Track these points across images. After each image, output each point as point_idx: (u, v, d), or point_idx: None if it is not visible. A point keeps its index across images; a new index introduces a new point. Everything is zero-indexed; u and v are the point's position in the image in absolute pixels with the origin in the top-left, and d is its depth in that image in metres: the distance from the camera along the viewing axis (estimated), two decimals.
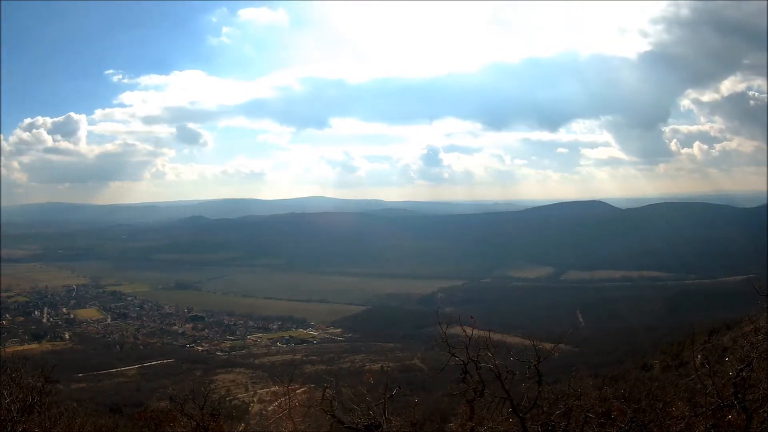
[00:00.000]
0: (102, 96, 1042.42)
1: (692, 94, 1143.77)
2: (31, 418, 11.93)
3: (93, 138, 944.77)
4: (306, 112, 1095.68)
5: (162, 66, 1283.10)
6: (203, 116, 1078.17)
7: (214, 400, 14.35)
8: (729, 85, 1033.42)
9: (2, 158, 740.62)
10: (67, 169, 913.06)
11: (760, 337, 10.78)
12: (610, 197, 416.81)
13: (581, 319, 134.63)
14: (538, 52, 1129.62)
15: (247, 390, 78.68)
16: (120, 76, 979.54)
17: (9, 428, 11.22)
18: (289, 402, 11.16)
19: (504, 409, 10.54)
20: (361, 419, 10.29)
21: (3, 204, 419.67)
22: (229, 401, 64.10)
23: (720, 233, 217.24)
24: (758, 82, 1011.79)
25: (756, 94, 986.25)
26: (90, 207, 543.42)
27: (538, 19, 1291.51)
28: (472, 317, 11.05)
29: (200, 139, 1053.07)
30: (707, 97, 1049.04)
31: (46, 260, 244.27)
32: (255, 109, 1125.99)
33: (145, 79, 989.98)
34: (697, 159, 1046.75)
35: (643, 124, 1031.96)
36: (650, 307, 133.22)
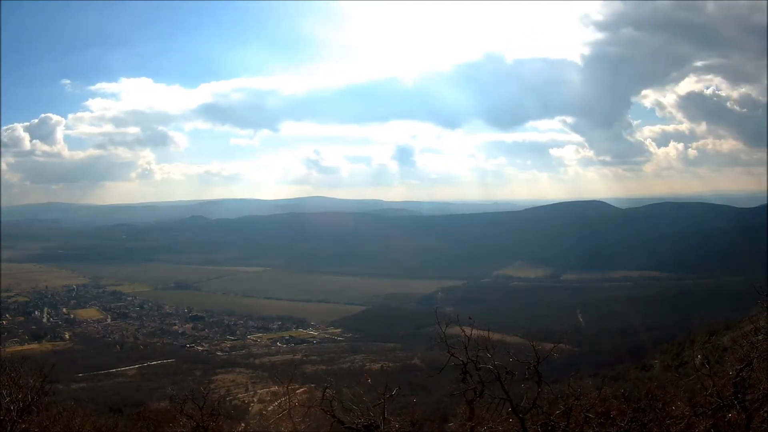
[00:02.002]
0: (67, 103, 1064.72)
1: (651, 95, 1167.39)
2: (30, 417, 11.94)
3: (76, 141, 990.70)
4: (253, 117, 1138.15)
5: (109, 74, 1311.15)
6: (169, 119, 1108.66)
7: (214, 400, 14.35)
8: (685, 86, 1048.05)
9: None
10: (57, 170, 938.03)
11: (760, 337, 10.78)
12: (606, 197, 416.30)
13: (581, 319, 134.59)
14: (484, 54, 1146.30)
15: (247, 390, 78.61)
16: (75, 87, 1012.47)
17: (8, 428, 11.22)
18: (289, 402, 11.15)
19: (503, 410, 10.53)
20: (360, 419, 10.28)
21: (3, 204, 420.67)
22: (229, 401, 64.11)
23: (720, 233, 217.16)
24: (716, 81, 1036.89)
25: (713, 90, 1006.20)
26: (89, 207, 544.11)
27: (481, 19, 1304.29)
28: (470, 317, 11.05)
29: (178, 140, 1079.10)
30: (668, 98, 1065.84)
31: (46, 260, 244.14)
32: (209, 113, 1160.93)
33: (100, 87, 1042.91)
34: (678, 159, 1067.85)
35: (613, 125, 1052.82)
36: (650, 307, 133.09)
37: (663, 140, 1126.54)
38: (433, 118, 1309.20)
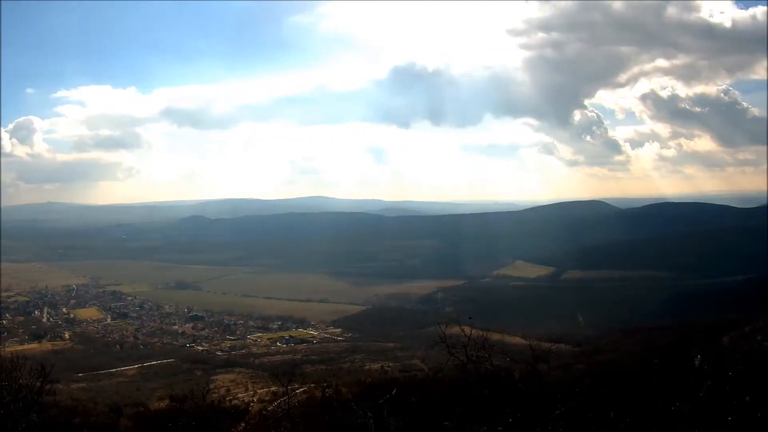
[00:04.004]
0: (37, 109, 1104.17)
1: (608, 96, 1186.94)
2: (31, 417, 11.95)
3: (60, 144, 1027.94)
4: (215, 120, 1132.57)
5: (68, 82, 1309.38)
6: (142, 122, 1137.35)
7: (214, 399, 14.37)
8: (641, 88, 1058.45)
9: None
10: (49, 171, 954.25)
11: (759, 337, 10.79)
12: (602, 197, 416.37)
13: (581, 319, 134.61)
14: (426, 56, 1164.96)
15: (246, 390, 78.48)
16: (40, 94, 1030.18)
17: (9, 427, 11.24)
18: (288, 402, 11.16)
19: (502, 410, 10.54)
20: (359, 420, 10.29)
21: (2, 204, 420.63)
22: (228, 401, 64.02)
23: (720, 233, 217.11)
24: (672, 83, 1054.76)
25: (671, 90, 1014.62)
26: (88, 207, 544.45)
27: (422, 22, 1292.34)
28: (470, 317, 11.08)
29: (159, 142, 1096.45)
30: (628, 101, 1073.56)
31: (46, 260, 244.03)
32: (174, 116, 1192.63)
33: (63, 94, 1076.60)
34: (660, 160, 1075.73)
35: (580, 127, 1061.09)
36: (650, 307, 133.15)
37: (638, 141, 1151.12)
38: (403, 121, 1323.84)
